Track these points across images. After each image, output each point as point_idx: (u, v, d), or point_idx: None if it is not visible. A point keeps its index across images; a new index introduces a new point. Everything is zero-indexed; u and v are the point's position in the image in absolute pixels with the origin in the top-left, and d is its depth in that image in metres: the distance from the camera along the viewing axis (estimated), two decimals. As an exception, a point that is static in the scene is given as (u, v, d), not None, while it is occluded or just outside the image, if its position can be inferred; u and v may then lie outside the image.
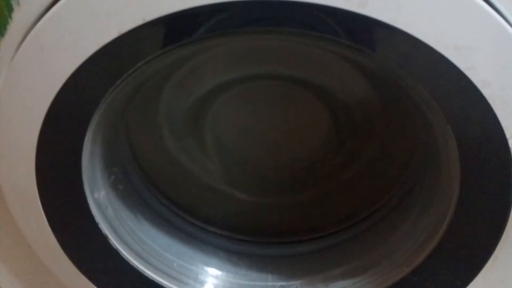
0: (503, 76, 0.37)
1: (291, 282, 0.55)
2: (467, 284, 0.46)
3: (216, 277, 0.55)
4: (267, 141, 0.61)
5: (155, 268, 0.52)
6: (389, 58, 0.37)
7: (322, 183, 0.63)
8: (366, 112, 0.59)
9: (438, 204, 0.47)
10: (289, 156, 0.62)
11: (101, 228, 0.48)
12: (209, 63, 0.55)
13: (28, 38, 0.39)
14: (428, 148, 0.50)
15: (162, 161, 0.61)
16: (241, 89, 0.58)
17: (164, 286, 0.51)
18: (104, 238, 0.48)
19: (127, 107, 0.53)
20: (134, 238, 0.52)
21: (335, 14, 0.35)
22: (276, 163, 0.63)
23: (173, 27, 0.37)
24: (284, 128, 0.61)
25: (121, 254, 0.49)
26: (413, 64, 0.37)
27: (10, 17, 0.39)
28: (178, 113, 0.59)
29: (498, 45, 0.36)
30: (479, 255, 0.45)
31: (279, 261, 0.59)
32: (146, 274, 0.51)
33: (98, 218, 0.47)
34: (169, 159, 0.61)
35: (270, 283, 0.55)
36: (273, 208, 0.64)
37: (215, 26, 0.37)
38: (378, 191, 0.60)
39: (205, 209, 0.62)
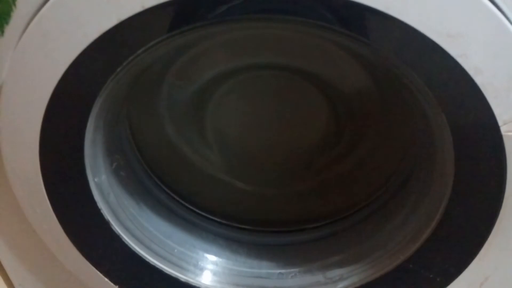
0: (495, 64, 0.37)
1: (289, 269, 0.55)
2: (462, 270, 0.47)
3: (216, 263, 0.56)
4: (267, 131, 0.62)
5: (156, 254, 0.53)
6: (383, 46, 0.38)
7: (320, 174, 0.64)
8: (365, 103, 0.59)
9: (433, 193, 0.48)
10: (288, 147, 0.63)
11: (103, 214, 0.49)
12: (208, 53, 0.56)
13: (31, 25, 0.39)
14: (424, 138, 0.50)
15: (163, 149, 0.62)
16: (241, 79, 0.59)
17: (165, 271, 0.52)
18: (107, 224, 0.49)
19: (128, 95, 0.54)
20: (135, 225, 0.53)
21: (329, 2, 0.36)
22: (275, 153, 0.63)
23: (172, 14, 0.37)
24: (283, 119, 0.61)
25: (123, 239, 0.50)
26: (406, 51, 0.37)
27: (14, 5, 0.40)
28: (179, 103, 0.60)
29: (490, 32, 0.36)
30: (473, 242, 0.45)
31: (278, 249, 0.59)
32: (147, 260, 0.52)
33: (101, 204, 0.48)
34: (169, 148, 0.62)
35: (268, 271, 0.56)
36: (272, 198, 0.65)
37: (214, 13, 0.38)
38: (375, 182, 0.60)
39: (205, 197, 0.62)
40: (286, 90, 0.60)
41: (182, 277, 0.53)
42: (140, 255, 0.51)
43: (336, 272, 0.53)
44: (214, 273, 0.55)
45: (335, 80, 0.58)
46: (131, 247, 0.51)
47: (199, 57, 0.56)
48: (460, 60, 0.36)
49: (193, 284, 0.53)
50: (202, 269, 0.55)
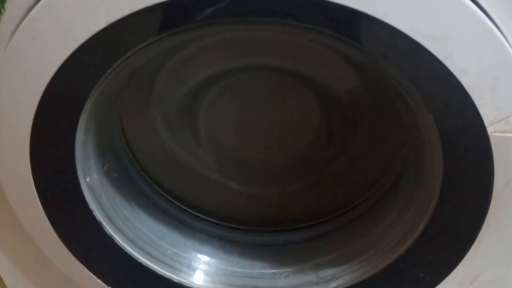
0: (480, 65, 0.37)
1: (282, 269, 0.56)
2: (452, 269, 0.47)
3: (209, 264, 0.56)
4: (259, 131, 0.62)
5: (149, 255, 0.53)
6: (371, 48, 0.38)
7: (312, 174, 0.64)
8: (356, 104, 0.59)
9: (422, 193, 0.48)
10: (281, 147, 0.63)
11: (95, 215, 0.49)
12: (200, 54, 0.56)
13: (20, 27, 0.40)
14: (413, 139, 0.51)
15: (155, 150, 0.62)
16: (234, 80, 0.59)
17: (158, 272, 0.52)
18: (99, 225, 0.49)
19: (119, 97, 0.54)
20: (128, 226, 0.53)
21: (317, 5, 0.36)
22: (268, 154, 0.63)
23: (160, 16, 0.38)
24: (276, 119, 0.61)
25: (116, 241, 0.51)
26: (393, 53, 0.38)
27: (3, 8, 0.40)
28: (171, 104, 0.60)
29: (475, 34, 0.37)
30: (462, 241, 0.46)
31: (271, 249, 0.60)
32: (140, 261, 0.52)
33: (92, 205, 0.49)
34: (162, 149, 0.62)
35: (262, 271, 0.56)
36: (264, 198, 0.65)
37: (202, 15, 0.38)
38: (366, 182, 0.60)
39: (198, 198, 0.63)
40: (277, 91, 0.60)
41: (175, 277, 0.53)
42: (133, 256, 0.52)
43: (328, 272, 0.54)
44: (207, 274, 0.55)
45: (327, 81, 0.58)
46: (123, 248, 0.51)
47: (190, 58, 0.56)
48: (446, 61, 0.37)
49: (186, 285, 0.53)
50: (195, 270, 0.55)
